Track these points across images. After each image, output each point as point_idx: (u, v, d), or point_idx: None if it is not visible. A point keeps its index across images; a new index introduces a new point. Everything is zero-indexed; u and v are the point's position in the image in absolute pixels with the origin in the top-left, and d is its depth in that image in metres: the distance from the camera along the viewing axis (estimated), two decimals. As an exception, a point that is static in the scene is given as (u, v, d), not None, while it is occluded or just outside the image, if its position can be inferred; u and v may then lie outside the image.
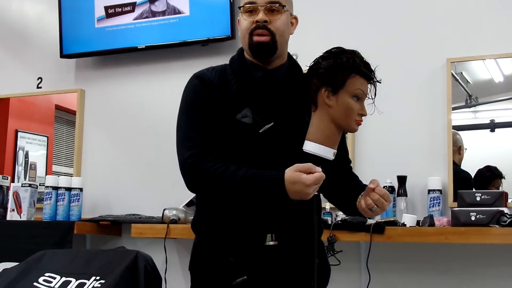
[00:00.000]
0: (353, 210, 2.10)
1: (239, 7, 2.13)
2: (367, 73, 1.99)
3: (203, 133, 2.01)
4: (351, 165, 2.30)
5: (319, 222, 2.18)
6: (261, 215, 2.00)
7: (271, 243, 2.01)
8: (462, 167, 3.47)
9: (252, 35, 2.07)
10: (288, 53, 2.19)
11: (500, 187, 3.36)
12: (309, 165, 1.87)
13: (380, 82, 2.04)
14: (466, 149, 3.47)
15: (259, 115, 2.02)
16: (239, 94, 2.05)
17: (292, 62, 2.19)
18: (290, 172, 1.87)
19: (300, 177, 1.85)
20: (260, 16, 2.06)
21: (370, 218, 2.92)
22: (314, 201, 1.99)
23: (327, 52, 2.05)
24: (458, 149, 3.46)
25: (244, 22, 2.10)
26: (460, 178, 3.41)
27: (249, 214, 2.01)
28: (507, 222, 2.93)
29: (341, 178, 2.19)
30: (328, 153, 1.97)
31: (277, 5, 2.07)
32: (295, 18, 2.19)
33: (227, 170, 1.93)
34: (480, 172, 3.43)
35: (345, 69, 1.96)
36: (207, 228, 2.09)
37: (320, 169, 1.88)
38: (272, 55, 2.09)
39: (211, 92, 2.05)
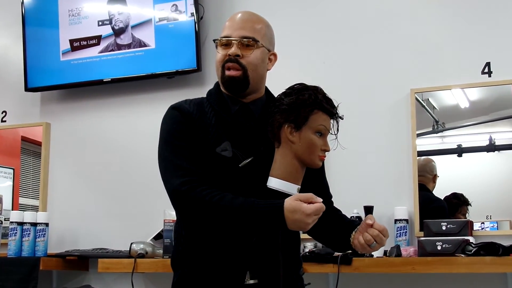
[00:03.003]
0: (345, 246, 2.10)
1: (214, 40, 2.15)
2: (329, 109, 2.00)
3: (190, 161, 1.99)
4: (332, 199, 2.30)
5: (297, 256, 2.18)
6: (241, 252, 1.99)
7: (251, 281, 1.99)
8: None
9: (224, 68, 2.09)
10: (266, 87, 2.21)
11: (467, 213, 3.38)
12: (310, 194, 1.88)
13: (342, 119, 2.06)
14: (438, 176, 3.49)
15: (238, 149, 2.03)
16: (217, 127, 2.05)
17: (269, 96, 2.20)
18: (290, 201, 1.86)
19: (301, 206, 1.84)
20: (233, 49, 2.07)
21: (366, 255, 2.98)
22: (279, 237, 1.98)
23: (289, 88, 2.07)
24: (433, 177, 3.49)
25: (218, 54, 2.12)
26: (434, 206, 3.44)
27: (230, 251, 1.99)
28: (472, 252, 2.95)
29: (325, 214, 2.19)
30: (292, 189, 1.97)
31: (251, 40, 2.09)
32: (274, 54, 2.20)
33: (224, 198, 1.90)
34: (447, 199, 3.45)
35: (308, 105, 1.97)
36: (186, 265, 2.06)
37: (321, 200, 1.88)
38: (244, 90, 2.10)
39: (191, 123, 2.05)
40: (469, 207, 3.40)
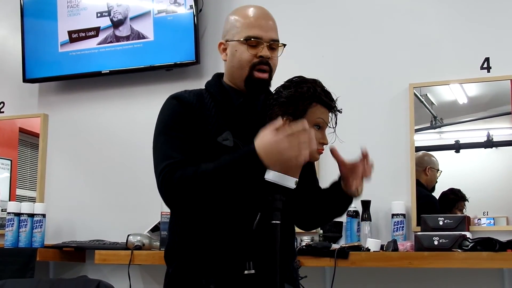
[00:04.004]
0: (342, 202, 2.15)
1: (243, 38, 2.09)
2: (328, 102, 2.00)
3: (181, 151, 1.98)
4: None
5: (292, 247, 2.19)
6: (241, 242, 1.98)
7: (250, 271, 1.98)
8: (432, 188, 3.50)
9: (253, 69, 2.08)
10: None
11: (464, 209, 3.39)
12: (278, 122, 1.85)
13: (340, 112, 2.06)
14: (440, 171, 3.49)
15: (239, 139, 2.03)
16: (218, 118, 2.05)
17: (268, 90, 2.21)
18: (259, 139, 1.85)
19: (266, 131, 1.83)
20: (266, 52, 2.08)
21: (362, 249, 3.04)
22: (277, 231, 1.97)
23: (288, 81, 2.07)
24: (424, 169, 3.49)
25: (245, 53, 2.09)
26: (423, 202, 3.43)
27: (229, 241, 1.99)
28: (469, 247, 2.95)
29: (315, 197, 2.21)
30: (290, 181, 1.96)
31: (278, 43, 2.12)
32: None
33: (198, 169, 1.89)
34: (444, 194, 3.46)
35: (306, 99, 1.97)
36: (183, 255, 2.05)
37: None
38: (266, 91, 2.14)
39: (190, 113, 2.05)
40: (466, 202, 3.40)
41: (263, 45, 2.09)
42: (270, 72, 2.10)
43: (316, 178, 2.33)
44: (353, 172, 2.11)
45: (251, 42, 2.09)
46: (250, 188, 1.90)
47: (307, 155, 1.82)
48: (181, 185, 1.90)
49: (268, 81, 2.11)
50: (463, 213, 3.34)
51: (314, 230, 3.51)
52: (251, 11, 2.14)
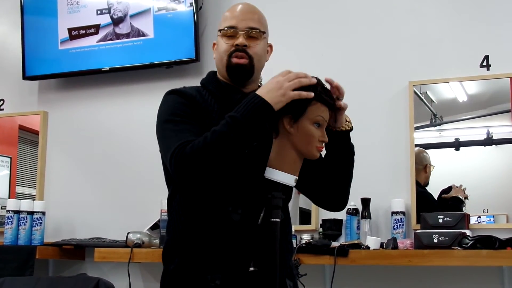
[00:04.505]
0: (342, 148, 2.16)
1: (219, 30, 2.16)
2: (327, 100, 2.00)
3: (193, 135, 1.95)
4: None
5: (290, 244, 2.19)
6: (245, 237, 1.98)
7: (252, 269, 1.98)
8: (429, 185, 3.50)
9: (231, 57, 2.11)
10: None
11: (464, 207, 3.39)
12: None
13: (340, 110, 2.07)
14: (433, 166, 3.49)
15: None
16: (221, 113, 2.04)
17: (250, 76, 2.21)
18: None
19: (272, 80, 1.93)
20: (240, 40, 2.10)
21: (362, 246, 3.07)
22: (277, 229, 1.97)
23: (288, 79, 2.06)
24: (424, 167, 3.49)
25: (224, 44, 2.13)
26: (419, 199, 3.42)
27: (234, 236, 1.98)
28: (468, 245, 2.96)
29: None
30: (289, 179, 1.97)
31: (257, 31, 2.13)
32: (270, 46, 2.26)
33: (207, 135, 1.89)
34: (443, 192, 3.46)
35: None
36: (186, 251, 2.03)
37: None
38: (249, 78, 2.13)
39: (194, 105, 2.06)
40: (466, 200, 3.40)
41: (239, 34, 2.11)
42: (250, 59, 2.11)
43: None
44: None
45: (227, 32, 2.13)
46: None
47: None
48: (194, 152, 1.88)
49: (247, 67, 2.11)
50: (463, 211, 3.34)
51: (314, 227, 3.53)
52: (234, 7, 2.18)
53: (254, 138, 1.94)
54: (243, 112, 1.89)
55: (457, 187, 3.41)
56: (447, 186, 3.45)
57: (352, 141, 2.19)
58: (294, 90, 1.91)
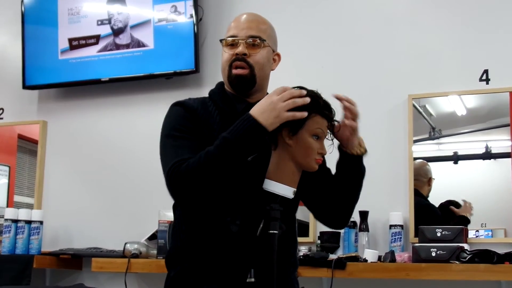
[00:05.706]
0: (350, 166, 2.17)
1: (221, 41, 2.16)
2: (327, 113, 2.00)
3: (191, 152, 1.96)
4: None
5: (294, 257, 2.17)
6: (244, 249, 1.97)
7: (249, 280, 1.97)
8: (428, 198, 3.50)
9: (231, 68, 2.11)
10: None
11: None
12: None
13: (339, 123, 2.07)
14: (434, 179, 3.50)
15: None
16: (223, 125, 2.04)
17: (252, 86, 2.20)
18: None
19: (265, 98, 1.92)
20: (240, 49, 2.10)
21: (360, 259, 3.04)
22: (275, 241, 1.97)
23: (288, 91, 2.06)
24: (428, 180, 3.49)
25: (225, 54, 2.13)
26: (425, 212, 3.43)
27: (232, 247, 1.98)
28: (466, 259, 2.95)
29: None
30: (288, 191, 1.97)
31: (258, 40, 2.12)
32: (278, 55, 2.24)
33: (201, 155, 1.90)
34: (442, 206, 3.45)
35: (305, 109, 1.97)
36: (186, 260, 2.04)
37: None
38: (251, 88, 2.12)
39: (195, 118, 2.06)
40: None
41: (239, 43, 2.11)
42: (251, 69, 2.10)
43: (328, 169, 2.26)
44: (345, 129, 2.12)
45: (228, 41, 2.13)
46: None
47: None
48: (188, 172, 1.89)
49: (247, 77, 2.10)
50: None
51: (312, 240, 3.52)
52: (238, 17, 2.19)
53: (248, 155, 1.94)
54: (235, 134, 1.89)
55: (467, 204, 3.40)
56: (445, 200, 3.44)
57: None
58: (288, 110, 1.90)
